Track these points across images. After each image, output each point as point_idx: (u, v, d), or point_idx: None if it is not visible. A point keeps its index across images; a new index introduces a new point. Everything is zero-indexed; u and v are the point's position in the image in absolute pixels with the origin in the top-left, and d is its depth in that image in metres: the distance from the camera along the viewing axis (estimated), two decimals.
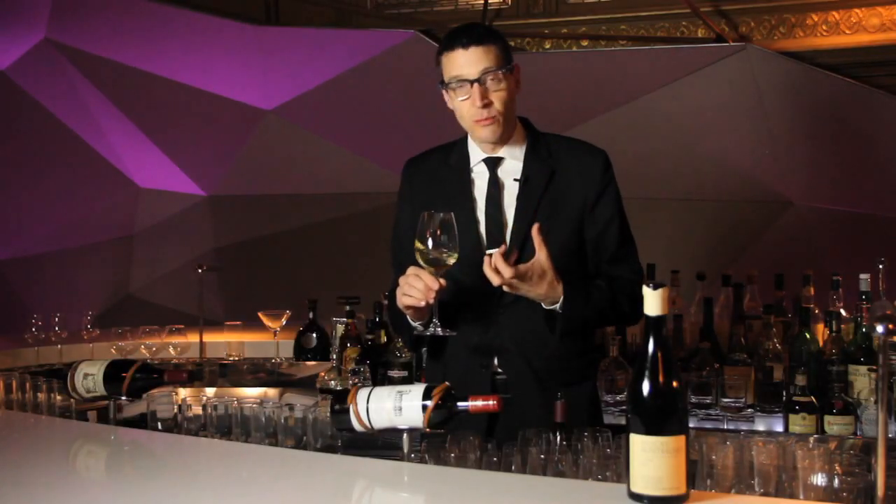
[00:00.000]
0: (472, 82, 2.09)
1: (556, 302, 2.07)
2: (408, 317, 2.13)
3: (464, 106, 2.13)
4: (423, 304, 2.00)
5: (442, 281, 1.99)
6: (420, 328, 2.13)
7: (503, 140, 2.19)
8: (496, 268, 1.96)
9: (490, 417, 2.09)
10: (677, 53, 4.06)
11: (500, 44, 2.13)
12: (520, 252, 2.10)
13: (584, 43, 4.35)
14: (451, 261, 2.00)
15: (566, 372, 2.19)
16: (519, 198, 2.17)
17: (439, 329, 2.05)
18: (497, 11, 4.48)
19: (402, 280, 2.05)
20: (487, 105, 2.09)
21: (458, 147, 2.27)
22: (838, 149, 4.15)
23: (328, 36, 4.42)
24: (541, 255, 2.01)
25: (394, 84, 4.40)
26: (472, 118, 2.13)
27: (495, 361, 2.17)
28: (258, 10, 4.60)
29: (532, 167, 2.19)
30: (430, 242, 1.98)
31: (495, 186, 2.19)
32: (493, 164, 2.21)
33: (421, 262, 2.01)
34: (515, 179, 2.18)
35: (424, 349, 3.07)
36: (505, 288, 2.01)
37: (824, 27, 4.05)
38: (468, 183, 2.22)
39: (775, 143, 4.13)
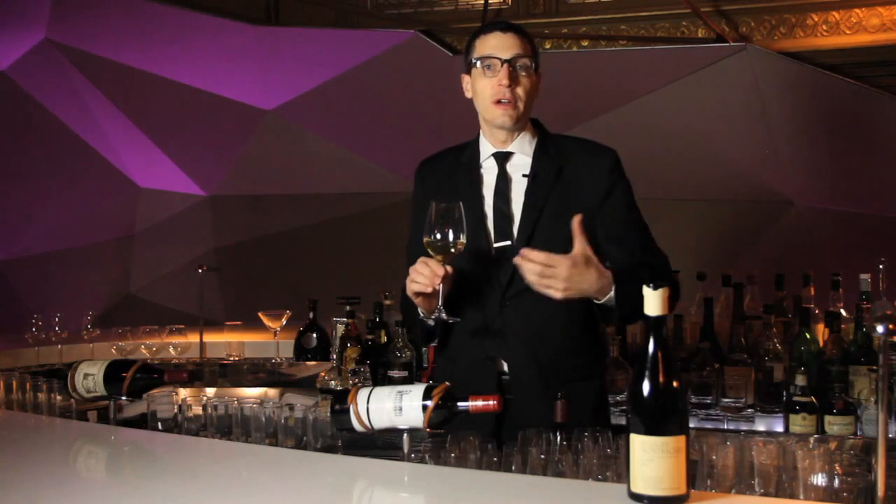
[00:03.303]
0: (503, 62, 2.14)
1: (608, 292, 2.06)
2: (418, 308, 2.15)
3: (487, 87, 2.17)
4: (429, 289, 2.02)
5: (448, 268, 2.02)
6: (426, 316, 2.15)
7: (516, 130, 2.22)
8: (530, 258, 1.96)
9: (496, 418, 2.08)
10: (677, 53, 4.07)
11: (533, 45, 2.23)
12: (526, 246, 2.10)
13: (585, 43, 4.35)
14: (457, 248, 2.02)
15: (572, 368, 2.19)
16: (527, 193, 2.20)
17: (444, 314, 2.06)
18: (497, 11, 4.48)
19: (411, 269, 2.07)
20: (512, 86, 2.13)
21: (470, 146, 2.31)
22: (838, 149, 4.14)
23: (328, 36, 4.43)
24: (580, 244, 2.02)
25: (394, 84, 4.40)
26: (493, 97, 2.16)
27: (501, 361, 2.17)
28: (258, 10, 4.61)
29: (540, 164, 2.21)
30: (436, 231, 2.01)
31: (503, 181, 2.22)
32: (502, 159, 2.23)
33: (429, 252, 2.04)
34: (524, 175, 2.21)
35: (425, 349, 3.09)
36: (557, 296, 1.98)
37: (824, 27, 4.04)
38: (478, 178, 2.25)
39: (775, 143, 4.13)
